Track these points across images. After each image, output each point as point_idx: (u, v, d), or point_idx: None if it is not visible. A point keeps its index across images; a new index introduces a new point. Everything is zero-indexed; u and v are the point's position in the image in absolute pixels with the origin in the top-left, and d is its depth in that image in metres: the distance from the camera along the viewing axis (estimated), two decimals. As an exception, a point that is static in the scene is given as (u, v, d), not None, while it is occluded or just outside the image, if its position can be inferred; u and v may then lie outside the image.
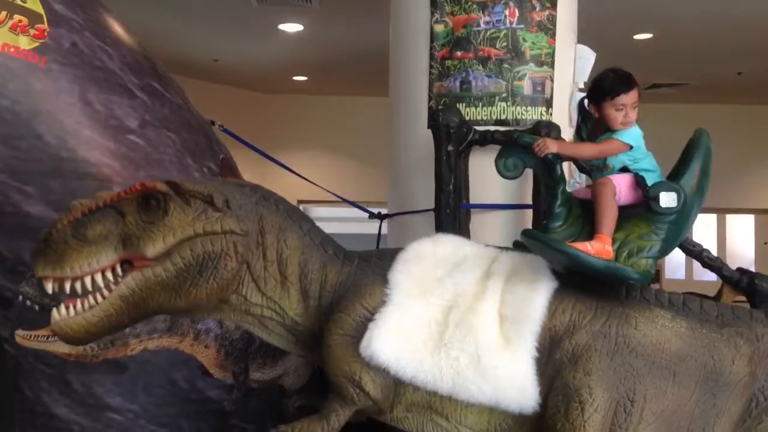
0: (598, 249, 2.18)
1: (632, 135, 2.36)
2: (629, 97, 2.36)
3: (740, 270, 3.12)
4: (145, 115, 3.12)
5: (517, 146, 2.49)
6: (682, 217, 2.26)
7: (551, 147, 2.37)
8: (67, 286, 2.08)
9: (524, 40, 3.31)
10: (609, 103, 2.36)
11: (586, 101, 2.48)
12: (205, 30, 7.32)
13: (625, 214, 2.27)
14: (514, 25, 3.30)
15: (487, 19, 3.30)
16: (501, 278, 2.22)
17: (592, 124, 2.48)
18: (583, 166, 2.99)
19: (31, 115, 2.85)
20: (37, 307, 2.98)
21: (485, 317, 2.14)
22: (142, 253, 2.09)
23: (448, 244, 2.37)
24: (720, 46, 7.72)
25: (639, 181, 2.30)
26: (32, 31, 2.83)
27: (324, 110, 9.89)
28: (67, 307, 2.09)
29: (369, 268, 2.28)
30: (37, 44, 2.84)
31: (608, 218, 2.23)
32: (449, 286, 2.21)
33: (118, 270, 2.12)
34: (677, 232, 2.28)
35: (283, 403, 3.50)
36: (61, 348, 3.03)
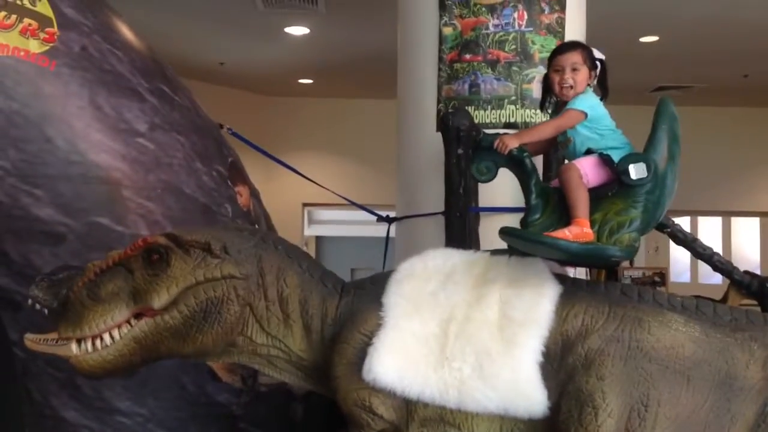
0: (577, 233, 2.18)
1: (585, 102, 2.37)
2: (565, 58, 2.41)
3: (750, 274, 3.11)
4: (155, 118, 3.12)
5: (483, 149, 2.49)
6: (657, 186, 2.25)
7: (510, 142, 2.38)
8: (89, 345, 2.23)
9: (533, 43, 3.31)
10: (551, 68, 2.44)
11: (544, 78, 2.54)
12: (211, 33, 7.32)
13: (600, 194, 2.27)
14: (523, 28, 3.30)
15: (496, 22, 3.30)
16: (498, 284, 2.22)
17: (553, 103, 2.53)
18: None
19: (41, 118, 2.85)
20: (46, 311, 2.97)
21: (483, 325, 2.15)
22: (150, 305, 2.22)
23: (437, 257, 2.39)
24: (725, 48, 7.70)
25: (605, 160, 2.30)
26: (42, 35, 2.84)
27: (329, 113, 9.89)
28: (85, 342, 2.23)
29: (365, 295, 2.33)
30: (47, 48, 2.84)
31: (580, 201, 2.24)
32: (442, 299, 2.22)
33: (132, 323, 2.25)
34: (656, 203, 2.27)
35: (291, 407, 3.50)
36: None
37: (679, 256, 13.78)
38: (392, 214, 3.92)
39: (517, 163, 2.39)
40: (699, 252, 3.07)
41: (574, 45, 2.48)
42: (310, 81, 9.23)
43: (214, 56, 8.09)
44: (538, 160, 2.86)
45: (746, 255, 12.43)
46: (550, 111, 2.56)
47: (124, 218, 2.99)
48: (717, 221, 13.32)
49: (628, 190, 2.24)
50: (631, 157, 2.26)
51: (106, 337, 2.22)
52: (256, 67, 8.51)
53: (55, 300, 2.89)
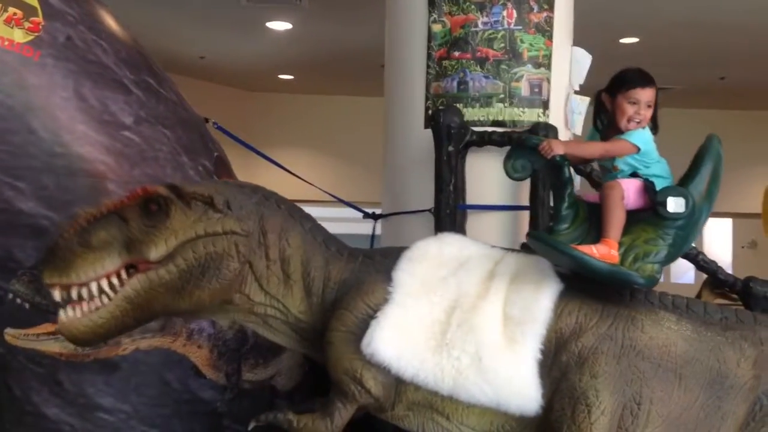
0: (604, 253, 2.18)
1: (642, 137, 2.35)
2: (645, 93, 2.35)
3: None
4: (140, 111, 3.08)
5: (525, 148, 2.48)
6: (690, 222, 2.26)
7: (558, 148, 2.37)
8: (74, 293, 2.12)
9: (522, 41, 3.30)
10: (623, 95, 2.36)
11: (602, 93, 2.46)
12: (192, 27, 7.25)
13: (633, 219, 2.27)
14: (512, 27, 3.29)
15: (485, 19, 3.29)
16: (505, 279, 2.21)
17: (606, 121, 2.47)
18: (581, 168, 3.00)
19: (25, 109, 2.81)
20: (27, 306, 2.93)
21: (488, 317, 2.14)
22: (145, 257, 2.13)
23: (453, 244, 2.37)
24: (704, 51, 7.80)
25: (647, 186, 2.30)
26: (27, 24, 2.79)
27: (310, 109, 9.85)
28: (73, 309, 2.12)
29: (373, 265, 2.29)
30: (31, 38, 2.80)
31: (615, 222, 2.24)
32: (452, 285, 2.20)
33: (123, 275, 2.15)
34: (685, 238, 2.28)
35: (276, 404, 3.48)
36: (51, 347, 2.98)
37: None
38: (377, 211, 3.91)
39: (555, 169, 2.37)
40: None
41: (652, 81, 2.39)
42: (290, 77, 9.19)
43: (194, 50, 8.01)
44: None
45: (719, 255, 12.60)
46: (600, 127, 2.50)
47: (108, 212, 2.95)
48: (690, 221, 13.48)
49: (661, 221, 2.24)
50: (672, 191, 2.26)
51: (94, 288, 2.11)
52: (237, 62, 8.45)
53: (36, 294, 2.86)
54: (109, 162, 2.97)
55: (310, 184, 4.19)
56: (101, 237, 2.11)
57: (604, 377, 2.05)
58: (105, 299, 2.13)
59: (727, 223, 13.16)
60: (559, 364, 2.11)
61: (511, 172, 2.48)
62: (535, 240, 2.24)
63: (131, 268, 2.14)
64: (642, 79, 2.37)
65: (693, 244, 3.18)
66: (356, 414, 2.24)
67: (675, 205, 2.22)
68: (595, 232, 2.26)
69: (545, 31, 3.35)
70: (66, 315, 2.13)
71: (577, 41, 3.59)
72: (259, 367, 3.39)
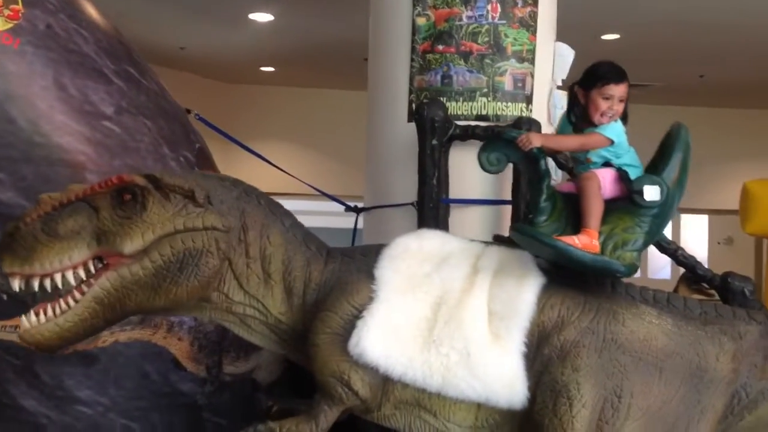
0: (585, 243, 2.20)
1: (615, 130, 2.38)
2: (618, 89, 2.37)
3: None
4: (121, 101, 3.05)
5: (501, 140, 2.48)
6: (664, 210, 2.30)
7: (535, 141, 2.37)
8: (36, 284, 2.01)
9: (506, 35, 3.31)
10: (597, 90, 2.37)
11: (576, 86, 2.47)
12: (172, 17, 7.18)
13: (609, 207, 2.30)
14: (496, 21, 3.30)
15: (470, 13, 3.29)
16: (489, 273, 2.22)
17: (579, 113, 2.48)
18: (561, 162, 3.01)
19: (4, 98, 2.77)
20: (4, 297, 2.88)
21: (474, 313, 2.14)
22: (118, 250, 2.04)
23: (434, 239, 2.37)
24: (683, 49, 7.87)
25: (622, 176, 2.33)
26: (6, 12, 2.75)
27: (291, 102, 9.81)
28: (37, 314, 2.02)
29: (353, 264, 2.26)
30: (11, 25, 2.76)
31: (595, 212, 2.26)
32: (437, 281, 2.20)
33: (91, 267, 2.06)
34: (659, 225, 2.32)
35: (256, 398, 3.47)
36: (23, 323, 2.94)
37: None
38: (359, 205, 3.90)
39: (532, 162, 2.38)
40: (664, 247, 3.12)
41: (625, 76, 2.40)
42: (271, 69, 9.14)
43: (174, 40, 7.94)
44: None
45: (695, 251, 12.74)
46: (573, 120, 2.51)
47: (88, 203, 2.92)
48: (668, 218, 13.62)
49: (637, 209, 2.27)
50: (647, 179, 2.29)
51: (59, 280, 1.99)
52: (218, 53, 8.39)
53: (13, 285, 2.79)
54: (89, 152, 2.93)
55: (293, 176, 4.17)
56: (69, 225, 2.01)
57: (585, 371, 2.07)
58: (71, 300, 2.03)
59: (703, 220, 13.32)
60: (541, 357, 2.12)
61: (486, 165, 2.48)
62: (518, 233, 2.25)
63: (97, 260, 2.05)
64: (616, 75, 2.38)
65: (672, 240, 3.23)
66: (341, 416, 2.22)
67: (651, 193, 2.25)
68: (574, 223, 2.28)
69: (529, 25, 3.36)
70: (29, 321, 2.02)
71: (559, 37, 3.60)
72: (240, 360, 3.38)
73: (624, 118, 2.42)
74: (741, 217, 5.57)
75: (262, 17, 7.14)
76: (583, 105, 2.41)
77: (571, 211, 2.32)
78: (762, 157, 10.18)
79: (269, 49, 8.19)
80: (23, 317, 2.03)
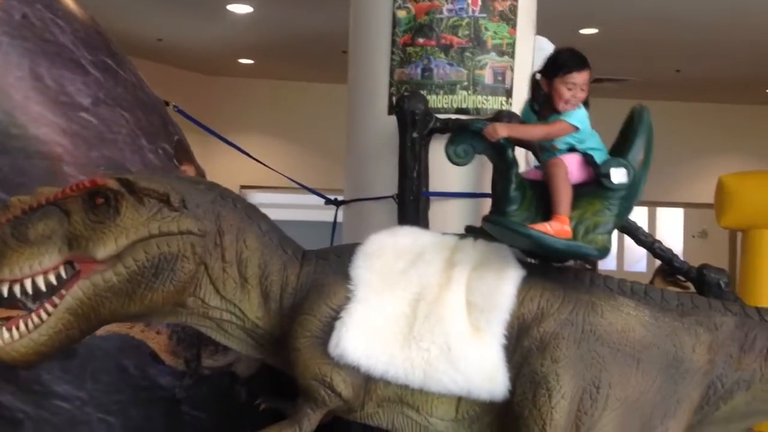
0: (558, 229, 2.22)
1: (578, 117, 2.40)
2: (581, 77, 2.38)
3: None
4: (99, 92, 3.02)
5: (467, 132, 2.49)
6: (632, 191, 2.33)
7: (502, 131, 2.38)
8: (5, 290, 1.98)
9: (486, 29, 3.31)
10: (560, 79, 2.38)
11: (538, 75, 2.48)
12: (150, 8, 7.12)
13: (578, 192, 2.32)
14: (476, 14, 3.30)
15: (450, 6, 3.29)
16: (466, 267, 2.23)
17: (542, 101, 2.49)
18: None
19: (-22, 88, 2.72)
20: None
21: (453, 307, 2.15)
22: (91, 255, 2.00)
23: (407, 235, 2.37)
24: (660, 44, 7.95)
25: (588, 160, 2.35)
26: (-19, 1, 2.70)
27: (269, 94, 9.78)
28: (9, 330, 1.98)
29: (329, 266, 2.25)
30: (-14, 14, 2.71)
31: (564, 198, 2.28)
32: (414, 278, 2.20)
33: (62, 272, 2.02)
34: (627, 207, 2.35)
35: (235, 390, 3.46)
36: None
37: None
38: (339, 198, 3.90)
39: (499, 152, 2.39)
40: (641, 239, 3.16)
41: (587, 63, 2.41)
42: (250, 61, 9.10)
43: (152, 32, 7.87)
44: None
45: (670, 243, 12.89)
46: (536, 108, 2.52)
47: (65, 195, 2.89)
48: (643, 211, 13.78)
49: (605, 192, 2.29)
50: (613, 162, 2.31)
51: (29, 285, 1.96)
52: (196, 45, 8.34)
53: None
54: (66, 144, 2.90)
55: (273, 169, 4.15)
56: (39, 230, 1.98)
57: (564, 362, 2.09)
58: (44, 314, 1.99)
59: (678, 213, 13.47)
60: (521, 349, 2.14)
61: (453, 158, 2.49)
62: (491, 224, 2.26)
63: (69, 265, 2.02)
64: (578, 63, 2.40)
65: (648, 233, 3.27)
66: (325, 418, 2.23)
67: (618, 175, 2.28)
68: (544, 210, 2.30)
69: (509, 19, 3.36)
70: (2, 338, 1.98)
71: (539, 31, 3.61)
72: (219, 354, 3.37)
73: (585, 103, 2.44)
74: (716, 211, 5.63)
75: (240, 8, 7.10)
76: (546, 93, 2.43)
77: (540, 199, 2.33)
78: (737, 151, 10.32)
79: (248, 41, 8.15)
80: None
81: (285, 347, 2.18)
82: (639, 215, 13.45)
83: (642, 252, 2.96)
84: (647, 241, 3.18)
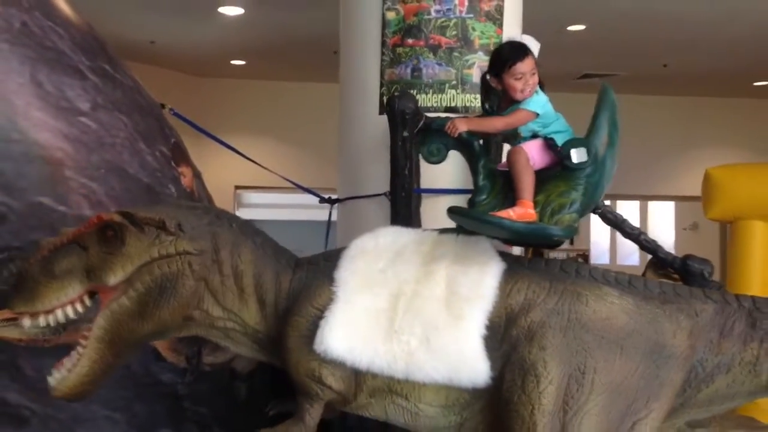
0: (521, 213, 2.30)
1: (537, 103, 2.47)
2: (525, 65, 2.45)
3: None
4: (97, 97, 3.08)
5: (435, 131, 2.58)
6: (597, 170, 2.39)
7: (461, 126, 2.49)
8: (42, 320, 2.28)
9: (473, 29, 3.41)
10: (507, 73, 2.46)
11: (487, 75, 2.56)
12: (142, 10, 7.18)
13: (544, 177, 2.39)
14: (463, 14, 3.39)
15: (438, 7, 3.39)
16: (446, 261, 2.32)
17: (498, 97, 2.57)
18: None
19: (-19, 95, 2.79)
20: (-14, 293, 2.92)
21: (431, 300, 2.25)
22: (104, 283, 2.26)
23: (387, 235, 2.48)
24: (647, 39, 8.03)
25: (549, 144, 2.42)
26: (-18, 11, 2.77)
27: (262, 95, 9.83)
28: (58, 370, 2.30)
29: (318, 270, 2.41)
30: (-13, 24, 2.78)
31: (526, 183, 2.35)
32: (390, 275, 2.31)
33: (86, 301, 2.30)
34: (596, 185, 2.41)
35: (235, 386, 3.54)
36: (11, 333, 2.97)
37: (599, 239, 14.33)
38: (333, 197, 3.98)
39: (466, 145, 2.49)
40: (627, 232, 3.23)
41: (526, 50, 2.49)
42: (242, 62, 9.15)
43: (144, 34, 7.93)
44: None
45: (662, 237, 13.01)
46: (492, 108, 2.58)
47: (66, 198, 2.95)
48: (635, 205, 13.88)
49: (570, 173, 2.36)
50: (573, 142, 2.38)
51: (60, 315, 2.26)
52: (189, 47, 8.40)
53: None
54: (67, 148, 2.96)
55: (267, 169, 4.23)
56: (63, 266, 2.26)
57: (551, 349, 2.18)
58: (81, 349, 2.27)
59: (669, 206, 13.58)
60: (509, 338, 2.22)
61: (427, 157, 2.60)
62: (454, 214, 2.36)
63: (91, 294, 2.29)
64: (518, 52, 2.47)
65: (636, 226, 3.35)
66: (328, 414, 2.38)
67: (578, 155, 2.34)
68: (512, 198, 2.38)
69: (495, 19, 3.46)
70: (54, 379, 2.30)
71: (526, 28, 3.70)
72: (219, 351, 3.43)
73: (541, 85, 2.50)
74: (703, 204, 5.70)
75: (232, 11, 7.17)
76: (501, 91, 2.51)
77: (510, 188, 2.41)
78: (726, 144, 10.42)
79: (240, 43, 8.22)
80: (48, 378, 2.32)
81: (280, 348, 2.33)
82: (630, 209, 13.59)
83: (635, 246, 3.03)
84: (633, 233, 3.25)
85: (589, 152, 2.34)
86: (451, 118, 2.56)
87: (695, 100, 10.71)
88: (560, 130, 2.44)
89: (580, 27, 7.69)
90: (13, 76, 2.85)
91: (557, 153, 2.39)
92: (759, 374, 2.30)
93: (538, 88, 2.48)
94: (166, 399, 3.24)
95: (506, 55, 2.48)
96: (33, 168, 2.89)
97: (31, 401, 3.01)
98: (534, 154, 2.41)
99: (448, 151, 2.58)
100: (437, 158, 2.59)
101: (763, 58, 8.59)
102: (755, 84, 10.04)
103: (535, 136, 2.46)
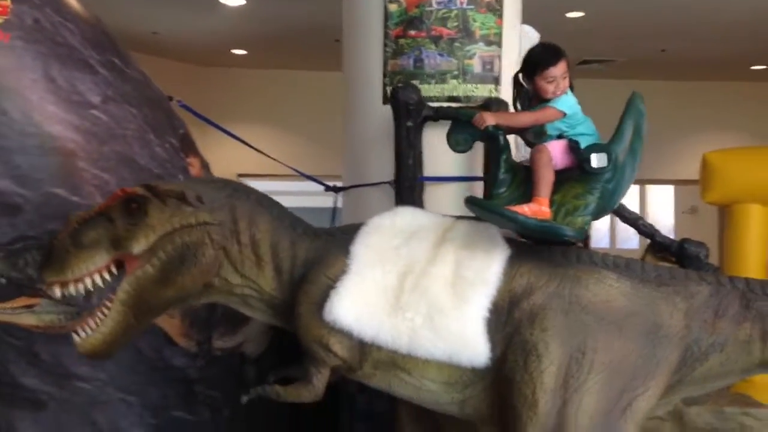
0: (535, 210, 2.38)
1: (566, 103, 2.53)
2: (558, 69, 2.52)
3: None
4: (107, 90, 3.15)
5: (463, 122, 2.66)
6: (615, 176, 2.45)
7: (489, 119, 2.55)
8: (72, 288, 2.38)
9: (474, 20, 3.46)
10: (540, 76, 2.53)
11: (520, 75, 2.63)
12: (145, 2, 7.22)
13: (563, 177, 2.46)
14: (464, 6, 3.45)
15: (439, -1, 3.45)
16: (454, 244, 2.41)
17: (529, 95, 2.63)
18: (530, 141, 3.19)
19: (-4, 90, 2.86)
20: (3, 281, 3.00)
21: (437, 280, 2.34)
22: (129, 252, 2.37)
23: (406, 216, 2.57)
24: (645, 24, 8.07)
25: (572, 146, 2.49)
26: (-4, 8, 2.84)
27: (263, 84, 9.87)
28: (83, 329, 2.42)
29: (334, 242, 2.49)
30: (0, 21, 2.85)
31: (544, 182, 2.43)
32: (403, 253, 2.40)
33: (113, 269, 2.40)
34: (613, 191, 2.47)
35: (244, 370, 3.63)
36: (28, 320, 3.05)
37: (599, 224, 14.41)
38: (338, 185, 4.05)
39: (491, 138, 2.56)
40: (625, 216, 3.34)
41: (561, 53, 2.53)
42: (243, 52, 9.20)
43: (146, 25, 7.97)
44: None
45: (661, 220, 13.08)
46: (523, 109, 2.64)
47: (79, 189, 3.03)
48: (634, 189, 13.94)
49: (588, 176, 2.42)
50: (595, 147, 2.43)
51: (88, 282, 2.36)
52: (191, 37, 8.44)
53: (12, 269, 2.97)
54: (79, 140, 3.03)
55: (272, 158, 4.30)
56: (91, 236, 2.36)
57: (552, 331, 2.26)
58: (105, 310, 2.38)
59: (668, 190, 13.62)
60: (512, 320, 2.31)
61: (454, 146, 2.67)
62: (471, 204, 2.44)
63: (118, 264, 2.38)
64: (552, 56, 2.53)
65: (635, 211, 3.43)
66: (332, 377, 2.47)
67: (598, 160, 2.40)
68: (530, 193, 2.45)
69: (495, 10, 3.51)
70: (79, 337, 2.42)
71: (525, 15, 3.76)
72: (229, 335, 3.53)
73: (570, 86, 2.56)
74: (701, 188, 5.79)
75: (233, 1, 7.20)
76: (531, 91, 2.58)
77: (530, 183, 2.48)
78: (724, 127, 10.48)
79: (241, 32, 8.26)
80: (73, 335, 2.43)
81: (292, 313, 2.43)
82: (630, 193, 13.63)
83: (633, 230, 3.13)
84: (631, 218, 3.36)
85: (609, 158, 2.39)
86: (479, 111, 2.63)
87: (693, 84, 10.76)
88: (586, 133, 2.50)
89: (579, 14, 7.73)
90: (26, 72, 2.92)
91: (577, 155, 2.44)
92: (751, 353, 2.38)
93: (568, 90, 2.54)
94: (178, 383, 3.33)
95: (539, 59, 2.54)
96: (47, 160, 2.97)
97: (48, 385, 3.11)
98: (557, 153, 2.47)
99: (474, 141, 2.67)
100: (463, 147, 2.68)
101: (760, 43, 8.63)
102: (753, 68, 10.08)
103: (560, 136, 2.52)
